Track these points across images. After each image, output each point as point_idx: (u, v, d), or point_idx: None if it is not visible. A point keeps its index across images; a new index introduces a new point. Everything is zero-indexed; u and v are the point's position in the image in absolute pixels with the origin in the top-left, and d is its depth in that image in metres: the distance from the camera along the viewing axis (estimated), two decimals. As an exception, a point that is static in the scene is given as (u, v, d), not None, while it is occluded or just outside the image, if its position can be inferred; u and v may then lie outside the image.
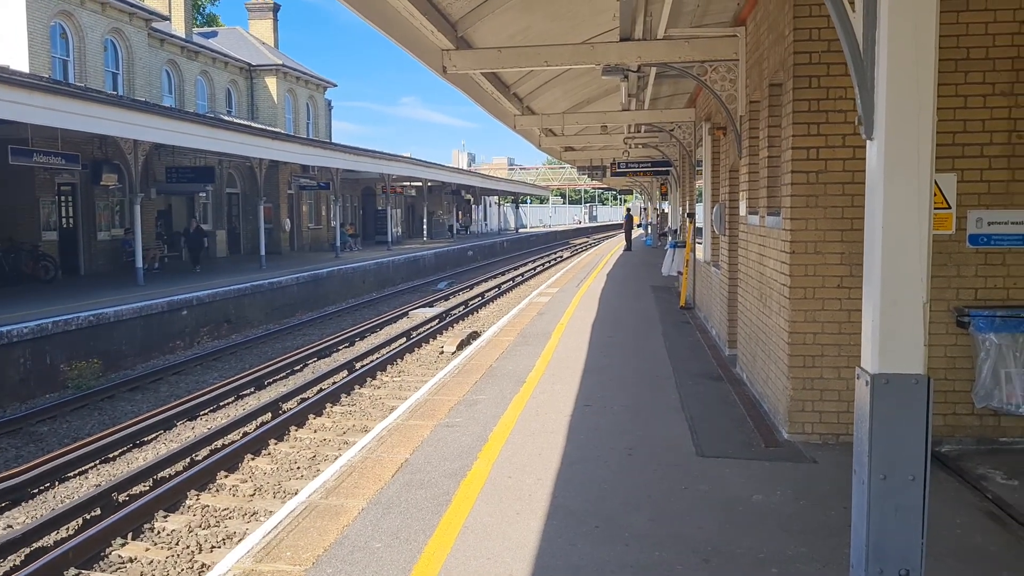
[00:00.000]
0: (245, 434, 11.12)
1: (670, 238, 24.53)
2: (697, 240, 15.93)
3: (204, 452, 10.38)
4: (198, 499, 8.76)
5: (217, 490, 9.14)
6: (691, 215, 17.19)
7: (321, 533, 4.94)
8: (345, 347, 18.43)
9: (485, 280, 33.83)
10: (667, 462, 6.30)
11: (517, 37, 11.34)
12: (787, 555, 4.59)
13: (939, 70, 6.48)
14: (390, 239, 41.01)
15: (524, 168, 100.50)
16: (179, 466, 9.85)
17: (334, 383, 14.05)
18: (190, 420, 12.17)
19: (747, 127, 9.24)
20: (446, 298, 27.63)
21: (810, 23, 6.67)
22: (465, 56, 9.93)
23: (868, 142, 3.41)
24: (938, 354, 6.66)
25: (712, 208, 12.24)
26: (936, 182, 6.54)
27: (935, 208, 6.58)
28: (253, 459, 10.09)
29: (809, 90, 6.69)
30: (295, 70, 44.17)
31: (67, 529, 7.95)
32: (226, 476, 9.47)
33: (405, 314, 23.04)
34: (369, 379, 14.46)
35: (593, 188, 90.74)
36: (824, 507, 5.30)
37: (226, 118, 31.55)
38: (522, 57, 9.98)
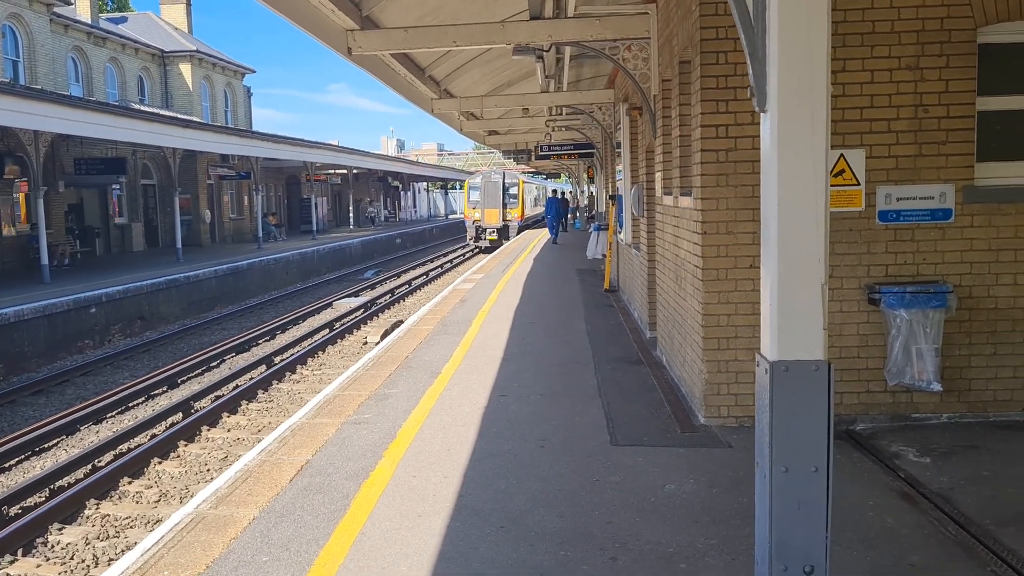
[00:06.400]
0: (153, 436, 10.59)
1: (595, 221, 24.48)
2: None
3: (108, 457, 9.85)
4: (98, 508, 8.29)
5: (119, 498, 8.66)
6: (612, 197, 17.06)
7: (206, 548, 4.58)
8: (265, 341, 17.87)
9: (413, 268, 33.35)
10: (580, 453, 6.10)
11: (427, 17, 10.96)
12: (697, 548, 4.41)
13: (846, 44, 6.44)
14: (315, 228, 40.14)
15: (453, 153, 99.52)
16: (79, 473, 9.32)
17: (251, 379, 13.56)
18: (95, 424, 11.55)
19: (660, 106, 9.07)
20: (372, 287, 27.13)
21: (716, -3, 6.49)
22: (371, 37, 9.55)
23: (761, 115, 3.21)
24: (851, 332, 6.60)
25: (631, 189, 12.10)
26: (845, 158, 6.47)
27: (845, 185, 6.50)
28: (160, 463, 9.62)
29: (717, 66, 6.52)
30: (211, 56, 42.74)
31: (-52, 549, 7.39)
32: (130, 482, 8.99)
33: (329, 305, 22.50)
34: (288, 373, 13.99)
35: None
36: (737, 494, 5.15)
37: (134, 106, 30.30)
38: (430, 37, 9.67)
